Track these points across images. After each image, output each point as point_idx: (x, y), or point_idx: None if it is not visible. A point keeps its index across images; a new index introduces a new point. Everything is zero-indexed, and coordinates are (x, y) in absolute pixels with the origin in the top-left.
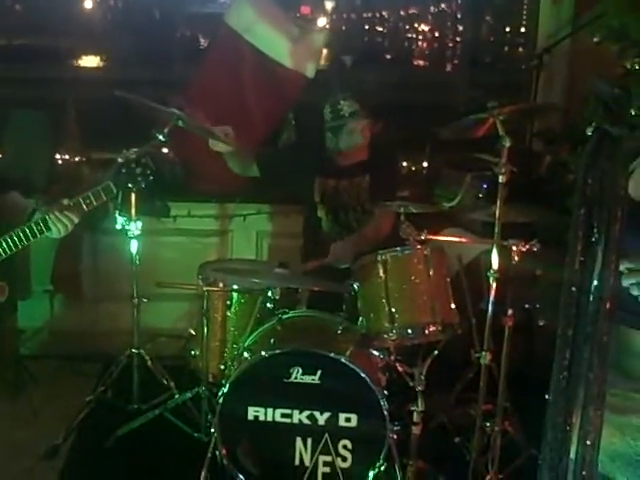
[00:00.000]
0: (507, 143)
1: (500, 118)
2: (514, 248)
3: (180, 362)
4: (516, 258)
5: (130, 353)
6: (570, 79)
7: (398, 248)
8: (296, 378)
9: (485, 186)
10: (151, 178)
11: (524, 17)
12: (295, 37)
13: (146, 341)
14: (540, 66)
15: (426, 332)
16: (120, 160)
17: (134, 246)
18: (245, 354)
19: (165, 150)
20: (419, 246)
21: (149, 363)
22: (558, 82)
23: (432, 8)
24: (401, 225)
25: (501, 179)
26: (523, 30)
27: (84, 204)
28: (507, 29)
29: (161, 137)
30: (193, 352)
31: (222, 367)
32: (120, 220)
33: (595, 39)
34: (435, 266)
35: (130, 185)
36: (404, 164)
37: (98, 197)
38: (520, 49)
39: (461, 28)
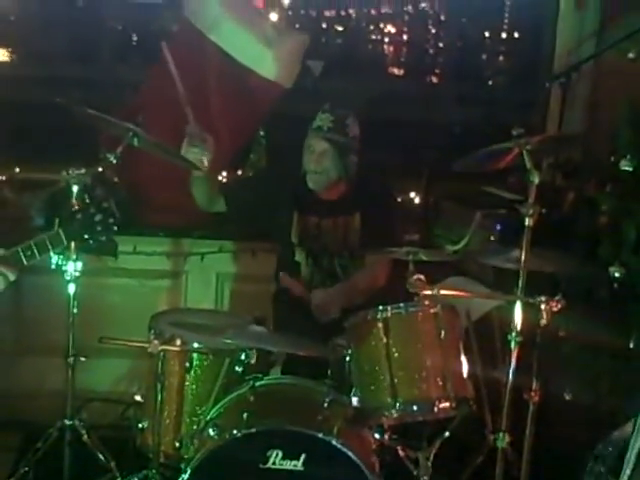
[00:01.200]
0: (535, 179)
1: (527, 148)
2: (542, 306)
3: (123, 435)
4: (544, 318)
5: (62, 425)
6: (593, 102)
7: (402, 304)
8: (274, 464)
9: (499, 227)
10: (115, 229)
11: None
12: (270, 39)
13: (80, 406)
14: (567, 85)
15: (435, 409)
16: (61, 183)
17: (71, 290)
18: (210, 431)
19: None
20: (428, 302)
21: (85, 437)
22: (579, 106)
23: (410, 8)
24: (410, 277)
25: (528, 222)
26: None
27: (24, 257)
28: (514, 35)
29: (112, 158)
30: (140, 424)
31: (177, 445)
32: (55, 258)
33: (630, 55)
34: (447, 327)
35: (87, 237)
36: (400, 196)
37: (43, 248)
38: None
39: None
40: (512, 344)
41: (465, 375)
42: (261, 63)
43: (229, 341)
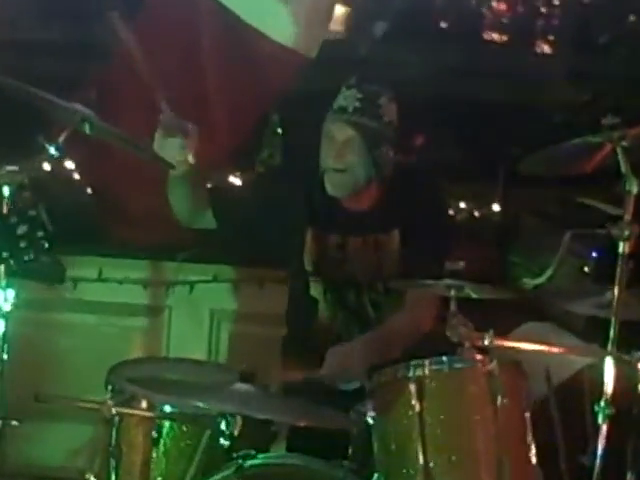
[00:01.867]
0: (634, 187)
1: (623, 145)
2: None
3: None
4: None
5: None
6: None
7: (444, 359)
8: None
9: (595, 254)
10: (46, 246)
11: None
12: None
13: None
14: None
15: None
16: None
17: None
18: None
19: (67, 171)
20: (479, 357)
21: None
22: None
23: None
24: (450, 320)
25: (622, 248)
26: None
27: None
28: None
29: (53, 150)
30: None
31: None
32: None
33: None
34: (506, 393)
35: (6, 256)
36: (461, 206)
37: None
38: None
39: None
40: (600, 417)
41: (533, 462)
42: (274, 23)
43: (201, 405)
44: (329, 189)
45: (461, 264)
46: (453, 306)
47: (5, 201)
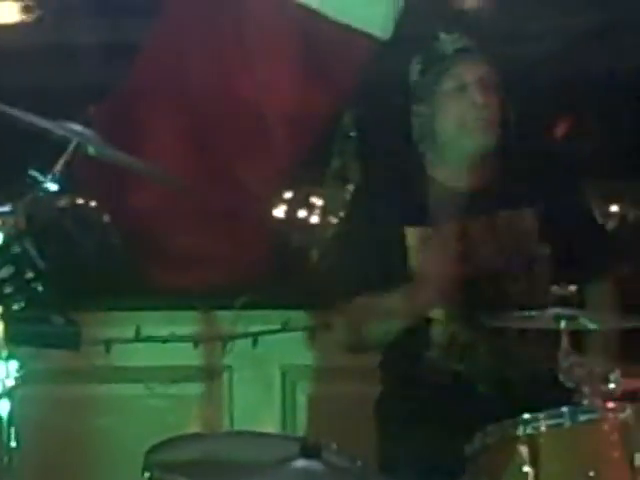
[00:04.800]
0: None
1: None
2: None
3: None
4: None
5: None
6: None
7: (564, 410)
8: None
9: None
10: (39, 289)
11: None
12: None
13: None
14: None
15: None
16: None
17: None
18: None
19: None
20: (610, 405)
21: None
22: None
23: None
24: (563, 360)
25: None
26: None
27: None
28: None
29: (50, 184)
30: None
31: None
32: None
33: None
34: None
35: None
36: (612, 209)
37: None
38: None
39: None
40: None
41: None
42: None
43: None
44: (468, 148)
45: (571, 288)
46: (565, 342)
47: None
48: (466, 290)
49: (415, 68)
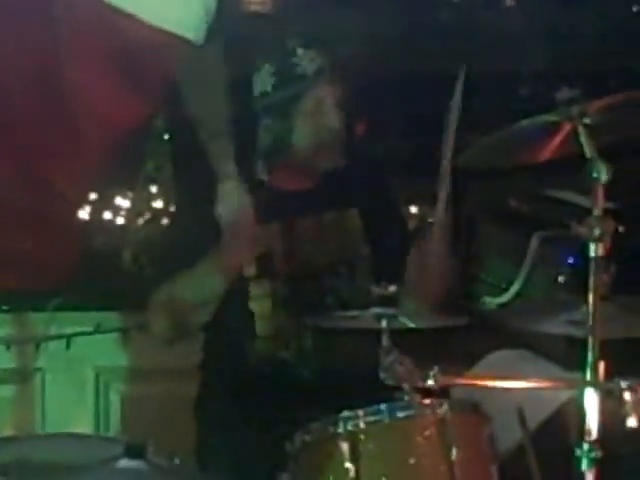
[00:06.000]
0: (602, 175)
1: (586, 122)
2: (627, 396)
3: None
4: (632, 418)
5: None
6: None
7: (382, 407)
8: None
9: (571, 261)
10: None
11: None
12: None
13: None
14: None
15: None
16: None
17: None
18: None
19: None
20: (427, 401)
21: None
22: None
23: None
24: (384, 359)
25: (594, 250)
26: None
27: None
28: None
29: None
30: None
31: None
32: None
33: None
34: (463, 444)
35: None
36: (412, 211)
37: None
38: None
39: None
40: (584, 463)
41: None
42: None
43: None
44: (322, 164)
45: (392, 288)
46: (386, 340)
47: None
48: (291, 287)
49: (265, 80)
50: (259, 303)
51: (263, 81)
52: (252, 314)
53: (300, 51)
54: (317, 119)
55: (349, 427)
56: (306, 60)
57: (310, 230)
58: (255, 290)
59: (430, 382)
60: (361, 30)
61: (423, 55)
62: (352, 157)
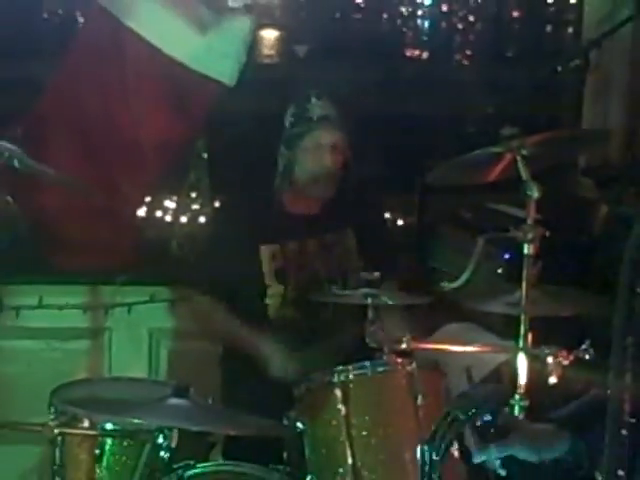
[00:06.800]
0: (534, 193)
1: (523, 153)
2: (549, 360)
3: None
4: (553, 377)
5: None
6: (633, 87)
7: (367, 363)
8: None
9: (507, 256)
10: None
11: None
12: (206, 23)
13: None
14: (585, 69)
15: None
16: None
17: None
18: None
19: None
20: (399, 360)
21: None
22: (615, 92)
23: None
24: (369, 327)
25: (527, 249)
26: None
27: None
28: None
29: None
30: None
31: None
32: None
33: None
34: (426, 392)
35: None
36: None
37: None
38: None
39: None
40: (516, 409)
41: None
42: (192, 54)
43: (137, 420)
44: (315, 192)
45: (376, 274)
46: (371, 313)
47: None
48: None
49: (288, 119)
50: (272, 299)
51: (288, 118)
52: (266, 305)
53: (313, 99)
54: (314, 156)
55: (341, 378)
56: (316, 107)
57: (316, 248)
58: (271, 290)
59: (403, 346)
60: (353, 81)
61: (396, 100)
62: (344, 185)
